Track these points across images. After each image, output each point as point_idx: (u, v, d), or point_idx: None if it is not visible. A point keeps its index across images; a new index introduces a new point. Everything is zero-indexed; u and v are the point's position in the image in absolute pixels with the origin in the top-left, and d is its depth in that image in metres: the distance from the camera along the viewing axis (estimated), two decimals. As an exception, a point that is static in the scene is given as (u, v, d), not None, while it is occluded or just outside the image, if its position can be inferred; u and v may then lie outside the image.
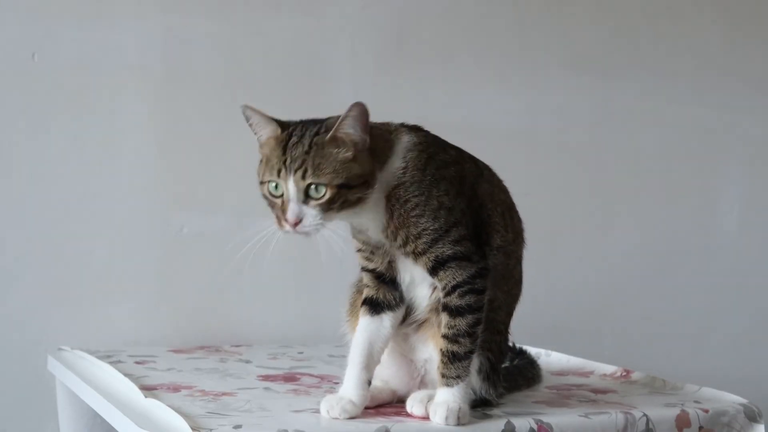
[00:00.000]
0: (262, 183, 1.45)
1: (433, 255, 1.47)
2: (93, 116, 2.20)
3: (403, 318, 1.56)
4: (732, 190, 2.81)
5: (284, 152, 1.42)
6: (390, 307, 1.53)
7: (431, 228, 1.46)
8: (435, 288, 1.52)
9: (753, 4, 2.82)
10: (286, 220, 1.41)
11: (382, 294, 1.53)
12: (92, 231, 2.19)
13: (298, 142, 1.41)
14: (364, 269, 1.55)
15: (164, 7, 2.24)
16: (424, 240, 1.46)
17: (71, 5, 2.17)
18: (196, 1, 2.28)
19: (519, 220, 1.63)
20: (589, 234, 2.66)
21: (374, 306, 1.52)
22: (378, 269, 1.53)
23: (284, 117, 2.33)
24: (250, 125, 1.46)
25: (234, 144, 2.30)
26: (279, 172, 1.41)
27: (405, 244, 1.47)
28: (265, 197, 1.45)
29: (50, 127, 2.16)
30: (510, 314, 1.64)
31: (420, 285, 1.53)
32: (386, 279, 1.53)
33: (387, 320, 1.53)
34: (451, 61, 2.52)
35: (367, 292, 1.54)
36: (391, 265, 1.52)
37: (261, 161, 1.46)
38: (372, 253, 1.52)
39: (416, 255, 1.48)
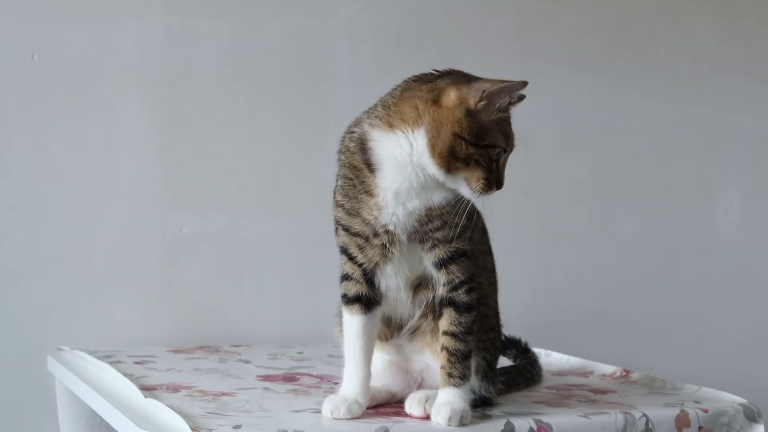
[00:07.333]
0: (491, 147, 1.46)
1: (454, 247, 1.47)
2: (93, 116, 2.20)
3: (387, 326, 1.56)
4: (732, 189, 2.81)
5: (510, 126, 1.49)
6: (378, 302, 1.51)
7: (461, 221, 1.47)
8: (416, 291, 1.51)
9: (753, 4, 2.82)
10: (498, 185, 1.46)
11: (370, 289, 1.50)
12: (92, 231, 2.19)
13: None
14: (352, 260, 1.50)
15: (164, 7, 2.24)
16: (451, 230, 1.46)
17: (71, 5, 2.17)
18: (196, 2, 2.28)
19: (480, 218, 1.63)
20: (589, 234, 2.65)
21: (367, 303, 1.50)
22: (364, 265, 1.49)
23: (283, 117, 2.38)
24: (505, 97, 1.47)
25: (234, 144, 2.32)
26: (509, 143, 1.49)
27: (437, 229, 1.46)
28: (487, 159, 1.45)
29: (50, 128, 2.16)
30: (497, 308, 1.64)
31: (404, 289, 1.51)
32: (367, 277, 1.50)
33: (378, 314, 1.52)
34: (451, 61, 2.50)
35: (355, 289, 1.50)
36: (377, 265, 1.49)
37: (488, 127, 1.46)
38: (367, 240, 1.48)
39: (436, 243, 1.47)
